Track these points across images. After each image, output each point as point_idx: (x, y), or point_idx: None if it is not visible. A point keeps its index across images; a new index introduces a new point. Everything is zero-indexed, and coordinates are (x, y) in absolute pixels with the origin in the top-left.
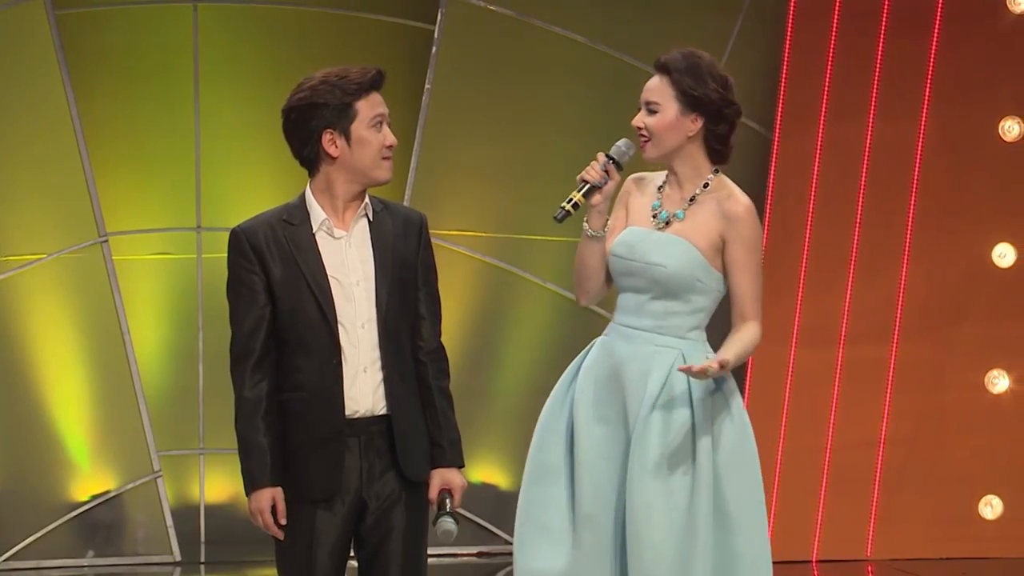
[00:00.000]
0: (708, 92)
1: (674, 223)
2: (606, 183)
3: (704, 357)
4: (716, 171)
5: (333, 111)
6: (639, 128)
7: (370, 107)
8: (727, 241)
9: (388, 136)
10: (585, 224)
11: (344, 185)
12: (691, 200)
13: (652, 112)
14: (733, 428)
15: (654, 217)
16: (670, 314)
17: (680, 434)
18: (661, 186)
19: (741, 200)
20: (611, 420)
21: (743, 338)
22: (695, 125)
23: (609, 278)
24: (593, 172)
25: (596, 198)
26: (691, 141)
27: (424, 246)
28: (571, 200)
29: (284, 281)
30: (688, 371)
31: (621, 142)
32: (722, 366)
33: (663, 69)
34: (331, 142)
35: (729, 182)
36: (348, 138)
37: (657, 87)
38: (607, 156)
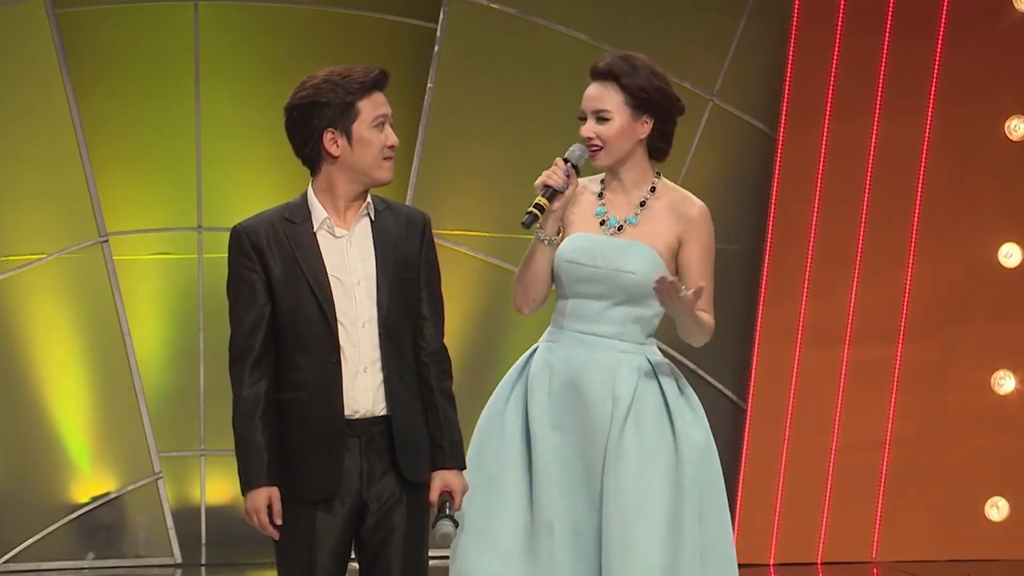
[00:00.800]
0: (656, 92)
1: (627, 228)
2: (568, 187)
3: (667, 364)
4: (658, 174)
5: (335, 110)
6: (590, 138)
7: (373, 107)
8: (683, 243)
9: (390, 136)
10: (539, 230)
11: (345, 185)
12: (641, 204)
13: (603, 120)
14: (699, 427)
15: (602, 223)
16: (631, 320)
17: (657, 439)
18: (600, 193)
19: (696, 203)
20: (568, 427)
21: (704, 315)
22: (646, 127)
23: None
24: (556, 176)
25: (556, 203)
26: (639, 144)
27: (427, 246)
28: (536, 204)
29: (284, 279)
30: (662, 281)
31: (576, 147)
32: (696, 295)
33: (607, 76)
34: (332, 141)
35: (674, 184)
36: (349, 137)
37: (603, 94)
38: (566, 160)
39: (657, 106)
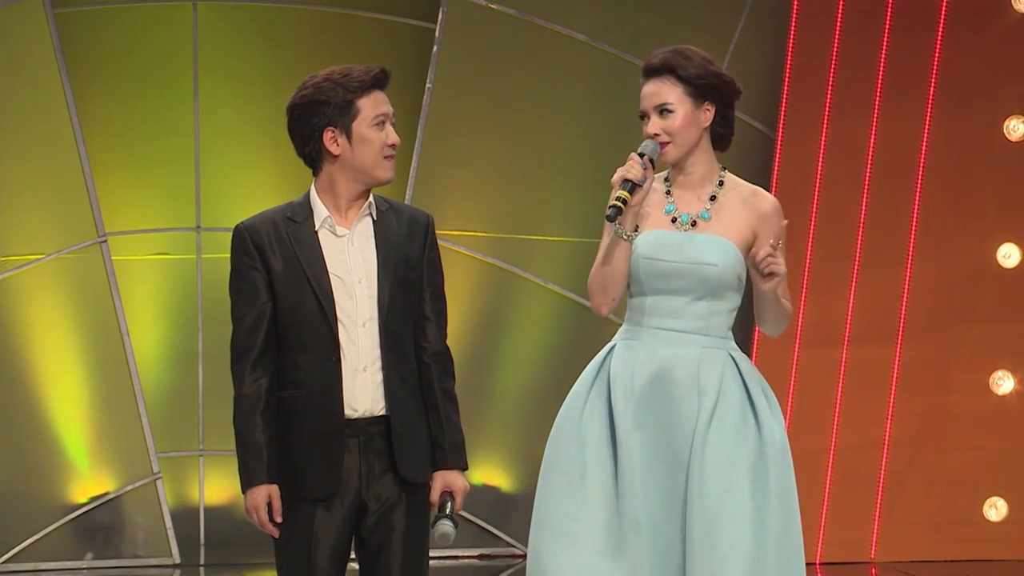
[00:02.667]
0: (713, 77)
1: (700, 224)
2: (646, 180)
3: (749, 362)
4: (724, 168)
5: (335, 109)
6: (656, 134)
7: (373, 105)
8: (759, 237)
9: (391, 135)
10: (617, 226)
11: (346, 184)
12: (711, 199)
13: (667, 113)
14: (778, 425)
15: (673, 220)
16: (713, 314)
17: (741, 435)
18: (667, 191)
19: (769, 197)
20: (651, 424)
21: (786, 301)
22: (708, 114)
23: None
24: (635, 170)
25: (636, 197)
26: (704, 133)
27: (430, 247)
28: (619, 198)
29: (285, 277)
30: (760, 253)
31: (648, 141)
32: (779, 252)
33: (662, 70)
34: (332, 140)
35: (740, 179)
36: (349, 136)
37: (661, 89)
38: (640, 154)
39: (716, 90)
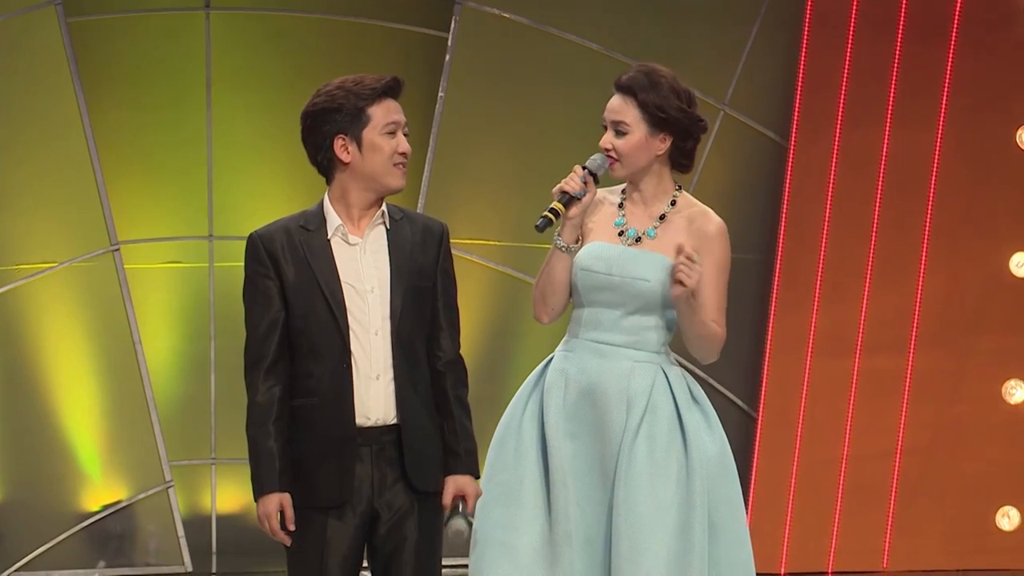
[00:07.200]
0: (674, 112)
1: (645, 240)
2: (584, 194)
3: (681, 375)
4: (679, 188)
5: (346, 116)
6: (608, 149)
7: (384, 113)
8: (701, 258)
9: (402, 143)
10: (557, 238)
11: (358, 192)
12: (660, 218)
13: (621, 134)
14: (714, 439)
15: (620, 234)
16: (645, 329)
17: (668, 449)
18: (620, 203)
19: (714, 219)
20: (582, 436)
21: (711, 323)
22: (664, 144)
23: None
24: (573, 183)
25: (573, 210)
26: (657, 159)
27: (444, 256)
28: (551, 208)
29: (298, 286)
30: (679, 261)
31: (597, 156)
32: (687, 256)
33: (626, 90)
34: (343, 148)
35: (694, 199)
36: (360, 144)
37: (622, 108)
38: (584, 168)
39: (675, 124)
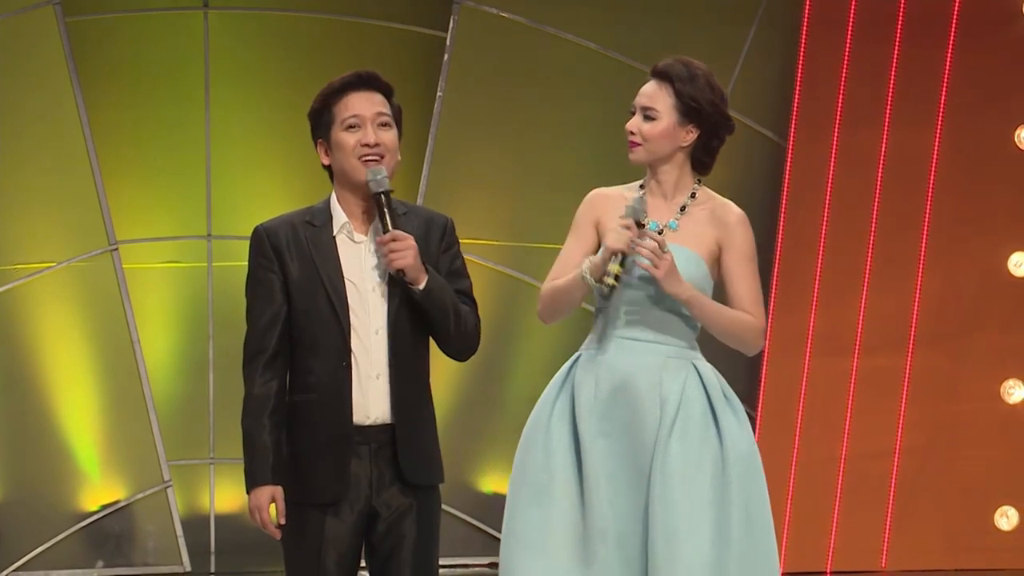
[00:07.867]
0: (708, 106)
1: (667, 233)
2: (635, 247)
3: (712, 371)
4: (699, 181)
5: (317, 120)
6: (631, 132)
7: (343, 109)
8: (724, 249)
9: (367, 135)
10: (587, 275)
11: (345, 192)
12: (681, 210)
13: (649, 119)
14: (744, 436)
15: (641, 227)
16: (672, 323)
17: (702, 445)
18: (640, 196)
19: (735, 209)
20: (615, 433)
21: (735, 312)
22: (689, 136)
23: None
24: (621, 242)
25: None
26: (681, 151)
27: (447, 247)
28: (611, 274)
29: (300, 281)
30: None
31: (634, 201)
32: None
33: (663, 76)
34: (323, 151)
35: (713, 192)
36: (329, 144)
37: (655, 94)
38: (626, 218)
39: (705, 119)
